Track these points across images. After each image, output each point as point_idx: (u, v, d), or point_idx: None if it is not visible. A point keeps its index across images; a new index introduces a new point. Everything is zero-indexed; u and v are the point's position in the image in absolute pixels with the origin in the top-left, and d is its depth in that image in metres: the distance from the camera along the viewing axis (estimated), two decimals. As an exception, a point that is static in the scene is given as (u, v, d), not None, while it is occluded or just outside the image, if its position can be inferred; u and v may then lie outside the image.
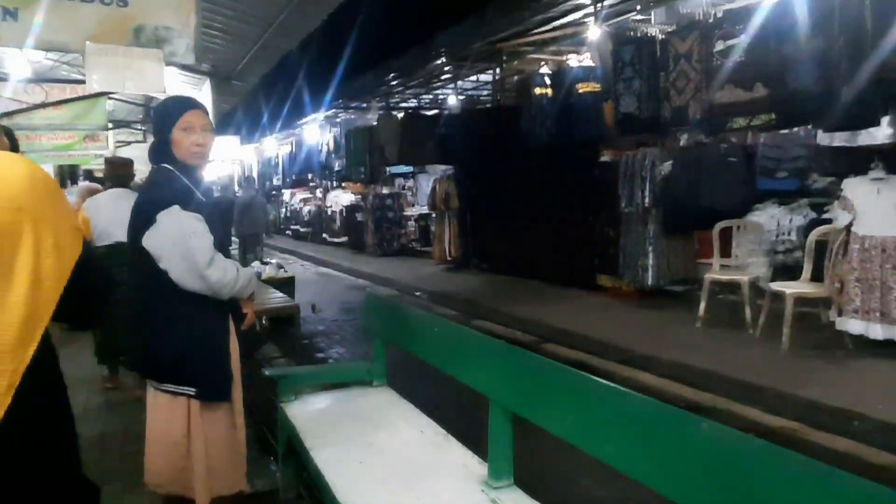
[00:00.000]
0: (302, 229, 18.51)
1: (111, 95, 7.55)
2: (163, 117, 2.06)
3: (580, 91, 6.92)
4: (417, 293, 8.71)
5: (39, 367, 0.99)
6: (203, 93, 7.33)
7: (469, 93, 10.94)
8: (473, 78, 10.51)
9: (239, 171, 20.79)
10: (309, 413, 2.70)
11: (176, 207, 1.92)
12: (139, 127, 14.29)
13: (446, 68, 9.45)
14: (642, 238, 6.52)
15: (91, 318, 1.24)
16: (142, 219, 1.96)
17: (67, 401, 1.12)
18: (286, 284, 7.27)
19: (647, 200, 6.24)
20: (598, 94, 6.94)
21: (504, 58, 7.85)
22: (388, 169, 10.73)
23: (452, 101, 10.04)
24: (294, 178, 14.77)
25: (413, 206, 13.93)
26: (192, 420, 2.00)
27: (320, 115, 10.62)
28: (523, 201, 8.58)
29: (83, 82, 6.53)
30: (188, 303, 1.97)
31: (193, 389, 1.99)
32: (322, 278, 11.50)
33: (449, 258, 10.37)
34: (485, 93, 10.90)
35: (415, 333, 2.77)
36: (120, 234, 3.96)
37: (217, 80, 7.14)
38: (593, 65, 7.04)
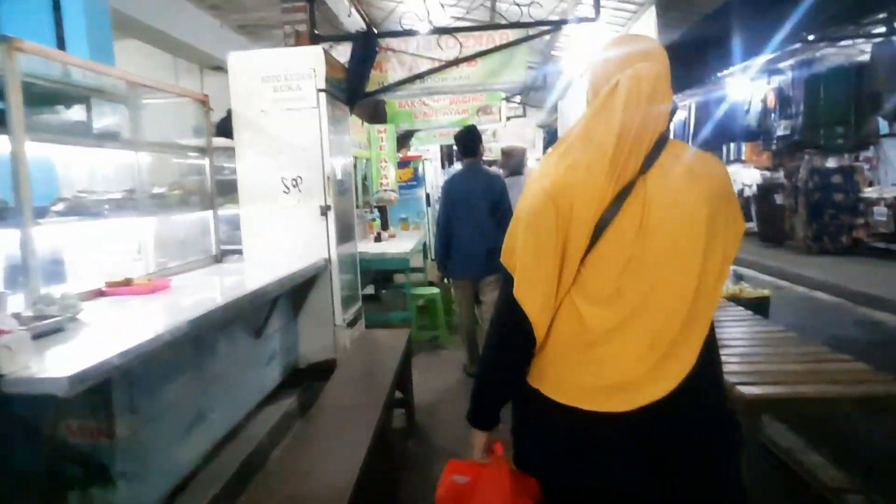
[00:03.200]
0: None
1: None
2: None
3: None
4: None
5: None
6: (641, 24, 5.34)
7: None
8: None
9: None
10: None
11: None
12: (517, 101, 13.46)
13: None
14: None
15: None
16: None
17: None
18: (760, 305, 4.78)
19: None
20: None
21: None
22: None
23: None
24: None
25: (872, 184, 9.80)
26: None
27: (757, 62, 7.76)
28: None
29: (500, 27, 5.10)
30: None
31: None
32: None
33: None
34: None
35: None
36: None
37: (663, 7, 5.01)
38: None
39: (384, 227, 7.27)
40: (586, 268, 1.24)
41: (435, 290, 5.66)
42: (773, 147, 9.40)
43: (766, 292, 4.78)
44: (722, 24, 6.85)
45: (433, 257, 8.76)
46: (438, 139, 10.62)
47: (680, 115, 12.55)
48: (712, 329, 1.29)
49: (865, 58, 6.61)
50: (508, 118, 11.85)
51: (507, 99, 11.66)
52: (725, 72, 8.47)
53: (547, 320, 1.26)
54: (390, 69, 4.87)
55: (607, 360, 1.22)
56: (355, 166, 7.27)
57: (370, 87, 4.83)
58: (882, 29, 6.32)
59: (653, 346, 1.21)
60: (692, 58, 7.03)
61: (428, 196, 8.42)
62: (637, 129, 1.23)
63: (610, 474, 1.23)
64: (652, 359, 1.21)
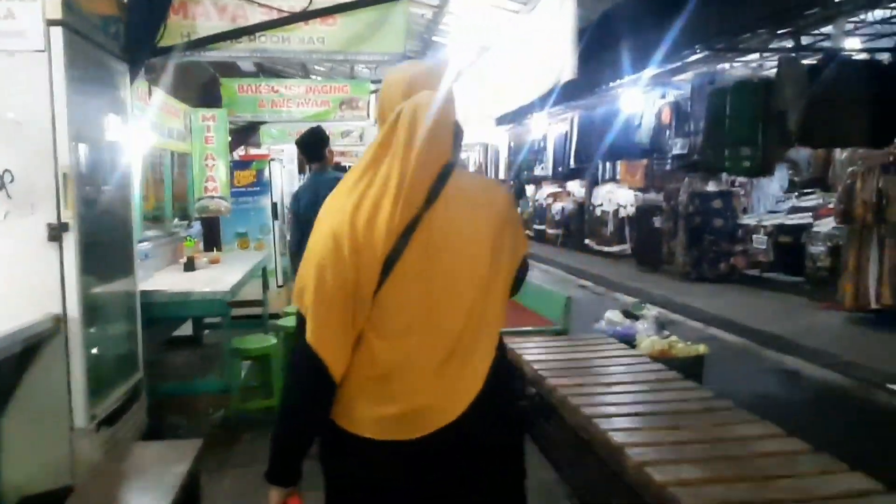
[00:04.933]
0: (550, 231, 15.28)
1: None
2: None
3: None
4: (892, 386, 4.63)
5: None
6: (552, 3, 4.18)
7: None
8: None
9: (480, 159, 18.25)
10: None
11: None
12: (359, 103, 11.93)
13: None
14: None
15: (518, 290, 1.42)
16: None
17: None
18: (693, 366, 3.79)
19: None
20: None
21: None
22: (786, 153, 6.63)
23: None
24: (572, 167, 11.25)
25: (746, 210, 9.62)
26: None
27: (647, 74, 7.05)
28: None
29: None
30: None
31: None
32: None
33: (876, 304, 6.11)
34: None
35: None
36: None
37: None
38: None
39: (209, 246, 5.48)
40: (377, 304, 1.22)
41: (270, 340, 4.04)
42: (668, 167, 8.89)
43: (701, 349, 3.76)
44: (617, 29, 5.99)
45: (280, 283, 7.11)
46: (294, 136, 8.90)
47: (561, 129, 11.95)
48: (501, 348, 1.32)
49: (772, 73, 6.08)
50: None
51: (376, 92, 10.20)
52: (616, 83, 7.76)
53: (344, 360, 1.23)
54: (201, 16, 3.22)
55: (398, 390, 1.23)
56: (172, 162, 5.44)
57: (168, 41, 3.14)
58: (789, 44, 5.82)
59: (440, 371, 1.23)
60: (590, 59, 6.12)
61: (275, 206, 6.71)
62: (418, 163, 1.21)
63: (406, 499, 1.26)
64: (441, 384, 1.23)
